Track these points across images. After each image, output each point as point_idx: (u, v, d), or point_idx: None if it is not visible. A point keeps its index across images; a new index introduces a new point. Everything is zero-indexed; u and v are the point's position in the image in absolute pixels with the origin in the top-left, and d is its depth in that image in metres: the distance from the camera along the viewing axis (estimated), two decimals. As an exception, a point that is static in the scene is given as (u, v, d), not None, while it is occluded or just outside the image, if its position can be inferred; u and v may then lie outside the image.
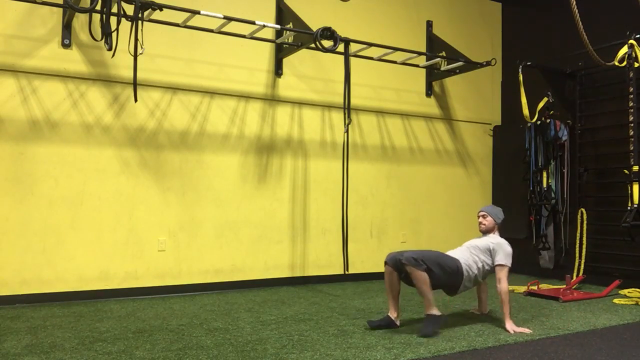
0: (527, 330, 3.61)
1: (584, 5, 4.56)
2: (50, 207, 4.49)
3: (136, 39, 3.99)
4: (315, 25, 4.86)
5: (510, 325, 3.64)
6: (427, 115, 6.50)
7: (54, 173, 4.53)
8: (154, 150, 4.93)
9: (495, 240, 3.86)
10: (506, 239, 3.93)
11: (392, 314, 3.69)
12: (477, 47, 6.79)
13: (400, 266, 3.59)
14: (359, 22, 6.00)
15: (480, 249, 3.84)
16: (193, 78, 5.12)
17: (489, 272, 3.85)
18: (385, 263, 3.73)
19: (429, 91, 6.52)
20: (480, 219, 4.02)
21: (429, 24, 6.52)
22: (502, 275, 3.73)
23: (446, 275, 3.63)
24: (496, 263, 3.76)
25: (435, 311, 3.54)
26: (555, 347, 3.25)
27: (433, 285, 3.56)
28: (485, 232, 3.98)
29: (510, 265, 3.76)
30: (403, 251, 3.68)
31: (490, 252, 3.80)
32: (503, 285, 3.70)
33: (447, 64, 5.92)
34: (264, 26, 4.69)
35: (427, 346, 3.20)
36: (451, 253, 3.84)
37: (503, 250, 3.78)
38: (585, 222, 5.76)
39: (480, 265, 3.79)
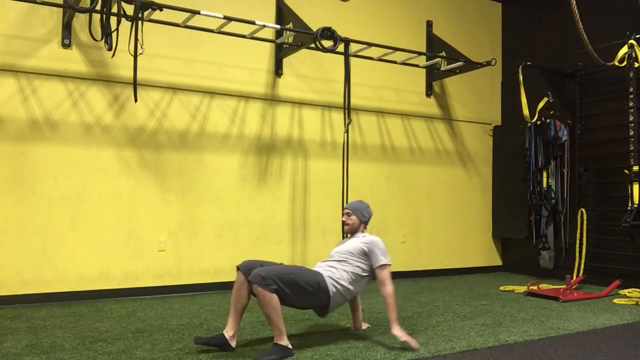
0: (415, 344, 3.12)
1: (584, 5, 4.56)
2: (50, 207, 4.49)
3: (136, 39, 3.99)
4: (315, 25, 4.86)
5: (398, 331, 3.18)
6: (427, 115, 6.50)
7: (54, 173, 4.53)
8: (154, 150, 4.93)
9: (366, 240, 3.36)
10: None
11: (228, 333, 3.08)
12: (477, 47, 6.79)
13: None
14: (359, 22, 6.00)
15: (352, 253, 3.33)
16: (193, 78, 5.12)
17: (369, 278, 3.37)
18: (238, 269, 3.14)
19: (429, 91, 6.52)
20: (344, 218, 3.52)
21: (429, 24, 6.52)
22: (385, 275, 3.26)
23: (306, 294, 3.10)
24: (377, 265, 3.28)
25: (285, 342, 2.98)
26: (555, 347, 3.25)
27: (295, 307, 3.17)
28: (351, 232, 3.51)
29: (390, 262, 3.32)
30: (262, 261, 3.18)
31: (366, 254, 3.31)
32: (388, 287, 3.23)
33: (447, 64, 5.92)
34: (264, 26, 4.69)
35: (427, 346, 3.20)
36: (318, 265, 3.36)
37: (378, 249, 3.31)
38: (585, 222, 5.76)
39: (352, 272, 3.29)
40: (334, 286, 3.21)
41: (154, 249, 4.89)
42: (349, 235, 3.57)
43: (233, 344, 3.09)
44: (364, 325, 3.69)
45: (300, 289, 3.06)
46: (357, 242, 3.38)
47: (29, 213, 4.42)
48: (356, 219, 3.49)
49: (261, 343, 3.27)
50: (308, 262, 5.60)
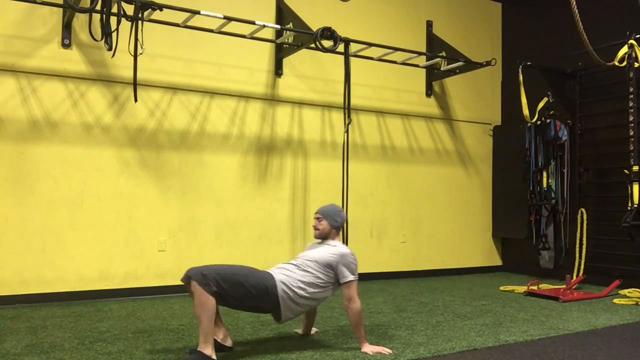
0: (386, 350, 3.05)
1: (584, 5, 4.56)
2: (50, 207, 4.49)
3: (136, 39, 3.99)
4: (315, 25, 4.86)
5: (367, 348, 3.05)
6: (427, 115, 6.50)
7: (54, 173, 4.53)
8: (154, 150, 4.93)
9: (335, 251, 3.14)
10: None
11: (218, 336, 2.99)
12: (477, 47, 6.79)
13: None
14: (359, 22, 6.00)
15: (319, 263, 3.11)
16: (193, 78, 5.12)
17: (332, 290, 3.17)
18: (182, 282, 2.92)
19: (429, 91, 6.52)
20: (315, 222, 3.29)
21: (429, 24, 6.52)
22: (352, 292, 3.07)
23: (250, 298, 2.92)
24: (343, 281, 3.09)
25: (209, 351, 2.76)
26: (555, 347, 3.25)
27: (239, 309, 3.04)
28: (321, 238, 3.28)
29: (357, 277, 3.13)
30: (201, 267, 2.92)
31: (333, 268, 3.10)
32: (355, 304, 3.05)
33: (447, 64, 5.92)
34: (264, 26, 4.69)
35: (427, 346, 3.20)
36: (275, 267, 3.17)
37: (346, 264, 3.10)
38: (585, 222, 5.76)
39: (309, 282, 3.08)
40: (285, 291, 3.00)
41: (154, 249, 4.89)
42: (318, 240, 3.31)
43: (228, 343, 3.05)
44: (313, 330, 3.52)
45: (243, 290, 2.89)
46: (326, 252, 3.15)
47: (29, 213, 4.42)
48: (327, 224, 3.26)
49: (262, 343, 3.27)
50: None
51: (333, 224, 3.27)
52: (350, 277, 3.10)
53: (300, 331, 3.49)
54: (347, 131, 4.92)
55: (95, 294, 4.61)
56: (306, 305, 3.13)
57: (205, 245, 5.11)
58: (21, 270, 4.37)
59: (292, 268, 3.13)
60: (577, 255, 5.78)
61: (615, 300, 4.80)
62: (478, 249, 6.83)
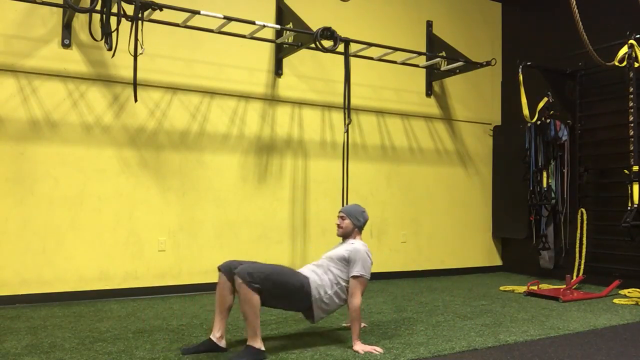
0: (378, 350, 3.07)
1: (584, 5, 4.56)
2: (50, 207, 4.49)
3: (136, 39, 3.99)
4: (315, 25, 4.86)
5: (358, 347, 3.08)
6: (427, 115, 6.50)
7: (54, 173, 4.53)
8: (154, 150, 4.93)
9: (351, 246, 3.24)
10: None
11: (215, 335, 3.05)
12: (477, 47, 6.78)
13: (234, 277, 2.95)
14: (359, 22, 6.00)
15: (333, 259, 3.22)
16: (193, 78, 5.12)
17: None
18: (219, 270, 3.10)
19: (429, 91, 6.52)
20: (338, 221, 3.41)
21: (429, 24, 6.52)
22: (357, 288, 3.14)
23: (290, 296, 3.04)
24: (351, 273, 3.15)
25: (259, 344, 2.88)
26: (555, 347, 3.25)
27: (278, 307, 3.15)
28: (343, 236, 3.40)
29: (368, 276, 3.19)
30: (242, 261, 3.11)
31: (347, 262, 3.19)
32: (355, 300, 3.11)
33: (447, 64, 5.93)
34: (264, 26, 4.70)
35: (427, 346, 3.20)
36: (305, 267, 3.27)
37: (360, 258, 3.17)
38: (585, 222, 5.76)
39: (334, 282, 3.17)
40: (317, 291, 3.12)
41: (154, 249, 4.89)
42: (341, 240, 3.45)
43: (222, 344, 3.07)
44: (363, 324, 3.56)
45: (286, 290, 3.01)
46: (343, 249, 3.26)
47: (29, 213, 4.42)
48: (349, 223, 3.38)
49: (264, 342, 3.26)
50: (308, 262, 5.58)
51: (356, 223, 3.40)
52: (359, 272, 3.15)
53: (347, 324, 3.52)
54: (347, 131, 4.92)
55: (95, 294, 4.62)
56: (333, 306, 3.22)
57: (205, 246, 5.11)
58: (21, 270, 4.37)
59: (318, 269, 3.22)
60: (577, 255, 5.78)
61: (615, 300, 4.80)
62: (478, 249, 6.83)
